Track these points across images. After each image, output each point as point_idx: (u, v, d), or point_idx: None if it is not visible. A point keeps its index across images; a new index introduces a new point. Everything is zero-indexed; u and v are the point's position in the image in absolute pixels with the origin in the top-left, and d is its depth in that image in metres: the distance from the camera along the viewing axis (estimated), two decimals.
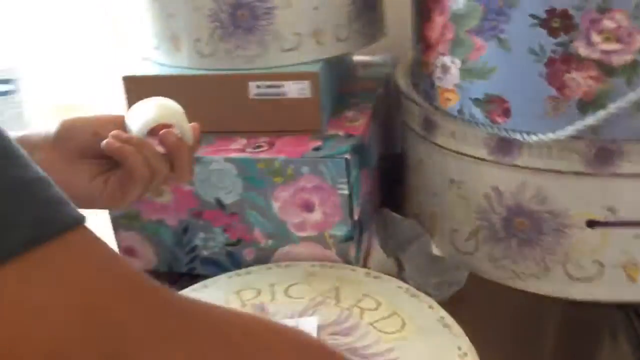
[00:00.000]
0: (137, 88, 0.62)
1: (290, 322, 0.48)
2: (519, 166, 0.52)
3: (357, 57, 0.84)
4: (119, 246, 0.64)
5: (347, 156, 0.54)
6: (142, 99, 0.61)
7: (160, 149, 0.44)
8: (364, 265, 0.60)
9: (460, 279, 0.57)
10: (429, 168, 0.61)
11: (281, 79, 0.58)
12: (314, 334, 0.47)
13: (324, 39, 0.60)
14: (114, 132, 0.42)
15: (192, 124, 0.46)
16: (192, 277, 0.60)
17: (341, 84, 0.71)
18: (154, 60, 0.65)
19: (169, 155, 0.44)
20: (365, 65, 0.83)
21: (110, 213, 0.62)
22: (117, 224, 0.63)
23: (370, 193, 0.65)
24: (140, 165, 0.42)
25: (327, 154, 0.54)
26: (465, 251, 0.59)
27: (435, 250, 0.61)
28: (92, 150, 0.43)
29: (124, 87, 0.62)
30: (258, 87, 0.59)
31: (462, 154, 0.55)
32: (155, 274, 0.63)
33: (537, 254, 0.54)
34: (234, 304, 0.52)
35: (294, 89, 0.58)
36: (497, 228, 0.56)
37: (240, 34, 0.59)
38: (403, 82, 0.65)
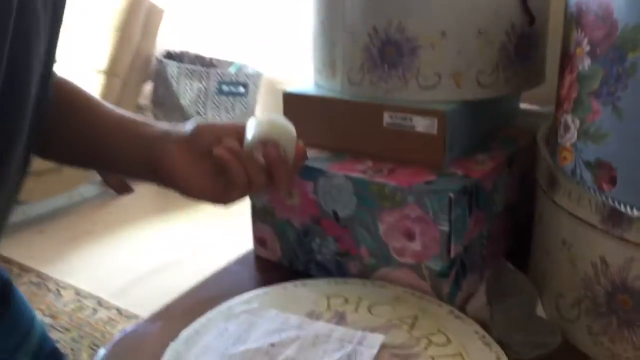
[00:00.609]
0: (294, 103, 0.71)
1: (357, 335, 0.52)
2: (628, 240, 0.49)
3: (524, 105, 0.84)
4: (254, 235, 0.74)
5: (452, 194, 0.56)
6: (297, 113, 0.71)
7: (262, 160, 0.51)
8: (462, 305, 0.61)
9: (551, 343, 0.55)
10: (546, 225, 0.59)
11: (412, 112, 0.62)
12: (375, 349, 0.50)
13: (464, 82, 0.63)
14: (226, 144, 0.51)
15: (299, 144, 0.52)
16: (307, 277, 0.66)
17: (491, 126, 0.72)
18: (317, 82, 0.74)
19: (269, 169, 0.51)
20: (528, 113, 0.82)
21: (251, 206, 0.72)
22: (256, 216, 0.72)
23: (488, 238, 0.65)
24: (239, 174, 0.50)
25: (433, 189, 0.57)
26: (567, 318, 0.57)
27: (540, 311, 0.59)
28: (212, 153, 0.52)
29: (283, 101, 0.72)
30: (391, 117, 0.64)
31: (575, 216, 0.53)
32: (279, 266, 0.71)
33: (637, 337, 0.50)
34: (320, 306, 0.57)
35: (422, 124, 0.62)
36: (600, 301, 0.52)
37: (385, 67, 0.64)
38: (542, 135, 0.64)
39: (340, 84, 0.69)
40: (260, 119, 0.53)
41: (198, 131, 0.53)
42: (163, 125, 0.55)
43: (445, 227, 0.56)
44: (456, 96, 0.63)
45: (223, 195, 0.53)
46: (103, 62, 2.57)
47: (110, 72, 2.59)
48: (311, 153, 0.68)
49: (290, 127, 0.53)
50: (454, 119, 0.62)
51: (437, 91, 0.63)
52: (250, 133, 0.52)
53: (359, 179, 0.61)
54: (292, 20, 2.81)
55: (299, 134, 0.71)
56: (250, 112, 2.94)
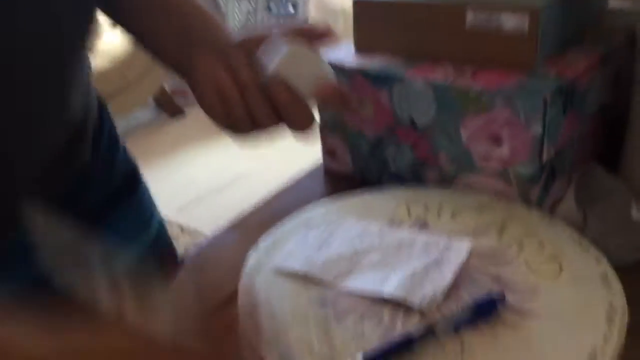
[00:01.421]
0: (365, 11, 0.67)
1: (443, 241, 0.50)
2: None
3: (614, 3, 0.77)
4: (323, 146, 0.72)
5: (547, 95, 0.51)
6: (369, 21, 0.66)
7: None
8: (550, 211, 0.58)
9: None
10: None
11: (499, 9, 0.57)
12: (464, 255, 0.48)
13: None
14: (238, 70, 0.46)
15: (329, 84, 0.46)
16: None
17: (581, 24, 0.66)
18: None
19: (280, 110, 0.45)
20: (617, 12, 0.75)
21: (320, 117, 0.70)
22: (324, 128, 0.70)
23: (578, 140, 0.61)
24: (237, 108, 0.45)
25: (526, 90, 0.53)
26: None
27: (636, 215, 0.56)
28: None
29: (354, 9, 0.67)
30: (475, 16, 0.59)
31: None
32: (350, 178, 0.69)
33: None
34: (399, 214, 0.55)
35: (511, 22, 0.57)
36: None
37: None
38: None
39: None
40: (284, 48, 0.45)
41: (235, 45, 0.48)
42: (219, 29, 0.51)
43: (538, 130, 0.53)
44: None
45: (231, 125, 0.48)
46: None
47: None
48: (384, 59, 0.64)
49: (313, 60, 0.46)
50: (546, 15, 0.56)
51: None
52: (266, 63, 0.46)
53: (440, 83, 0.57)
54: None
55: (372, 43, 0.67)
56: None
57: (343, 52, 0.67)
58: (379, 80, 0.62)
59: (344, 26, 2.93)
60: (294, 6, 2.76)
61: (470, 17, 0.59)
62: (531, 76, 0.56)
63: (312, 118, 0.47)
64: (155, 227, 0.66)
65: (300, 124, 0.47)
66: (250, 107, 0.46)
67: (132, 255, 0.60)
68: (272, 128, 0.48)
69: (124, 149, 0.65)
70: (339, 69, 0.65)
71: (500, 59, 0.59)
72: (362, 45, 0.68)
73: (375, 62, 0.64)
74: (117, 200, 0.61)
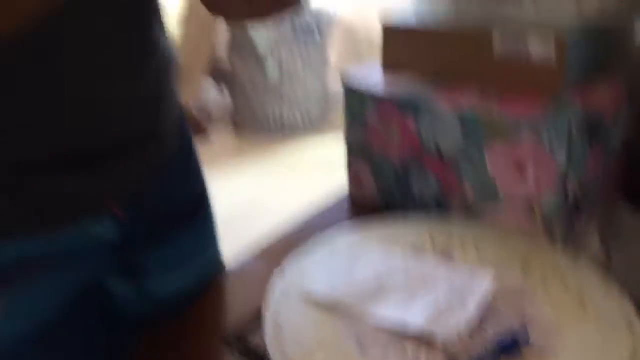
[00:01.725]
0: (393, 36, 0.68)
1: (466, 271, 0.50)
2: None
3: None
4: (349, 173, 0.72)
5: (572, 124, 0.51)
6: (397, 45, 0.67)
7: None
8: (573, 244, 0.57)
9: None
10: None
11: (527, 34, 0.57)
12: (487, 287, 0.48)
13: (585, 7, 0.57)
14: None
15: None
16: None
17: (606, 57, 0.66)
18: (415, 6, 0.69)
19: None
20: None
21: (346, 143, 0.71)
22: (351, 154, 0.71)
23: (603, 175, 0.60)
24: None
25: (551, 119, 0.53)
26: None
27: None
28: None
29: (382, 35, 0.68)
30: (502, 40, 0.59)
31: None
32: (374, 205, 0.70)
33: None
34: (423, 243, 0.55)
35: (539, 48, 0.57)
36: None
37: None
38: None
39: (446, 5, 0.64)
40: None
41: None
42: None
43: (563, 160, 0.53)
44: (575, 20, 0.58)
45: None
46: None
47: (187, 18, 2.61)
48: (411, 85, 0.65)
49: None
50: (574, 43, 0.57)
51: (554, 13, 0.58)
52: None
53: (466, 111, 0.58)
54: None
55: (399, 68, 0.68)
56: (325, 56, 2.91)
57: (370, 78, 0.68)
58: (406, 106, 0.62)
59: (368, 52, 2.95)
60: (319, 31, 2.79)
61: (497, 41, 0.60)
62: (557, 104, 0.56)
63: None
64: (211, 255, 0.67)
65: None
66: None
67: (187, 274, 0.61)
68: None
69: (200, 170, 0.67)
70: (366, 95, 0.66)
71: (527, 85, 0.59)
72: (389, 71, 0.69)
73: (402, 89, 0.65)
74: (185, 218, 0.62)
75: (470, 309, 0.45)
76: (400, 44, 0.68)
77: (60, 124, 0.47)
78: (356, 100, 0.68)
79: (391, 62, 0.68)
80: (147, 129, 0.54)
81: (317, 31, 2.75)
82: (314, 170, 2.61)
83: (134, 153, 0.53)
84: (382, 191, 0.69)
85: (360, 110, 0.67)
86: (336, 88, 3.00)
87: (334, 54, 3.00)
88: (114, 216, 0.54)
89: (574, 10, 0.57)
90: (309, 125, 2.96)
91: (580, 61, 0.59)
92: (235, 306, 0.55)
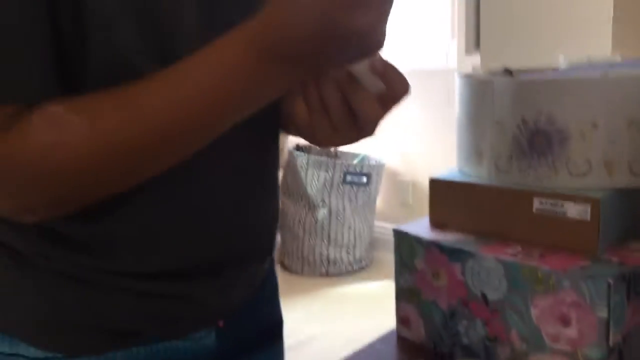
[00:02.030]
0: (441, 189, 0.75)
1: None
2: None
3: None
4: (397, 314, 0.76)
5: (610, 281, 0.56)
6: (444, 198, 0.75)
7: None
8: None
9: None
10: None
11: (564, 199, 0.64)
12: None
13: (616, 170, 0.64)
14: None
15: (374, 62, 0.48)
16: None
17: (638, 216, 0.71)
18: (460, 169, 0.78)
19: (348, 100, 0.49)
20: None
21: (396, 286, 0.76)
22: (400, 296, 0.75)
23: None
24: (311, 94, 0.50)
25: (590, 274, 0.57)
26: None
27: None
28: None
29: (430, 187, 0.76)
30: (541, 203, 0.65)
31: None
32: (422, 348, 0.73)
33: None
34: None
35: (575, 211, 0.63)
36: None
37: (534, 156, 0.67)
38: None
39: (487, 171, 0.72)
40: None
41: None
42: None
43: (603, 314, 0.56)
44: (608, 184, 0.64)
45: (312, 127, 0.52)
46: None
47: None
48: (458, 236, 0.71)
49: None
50: (607, 206, 0.62)
51: (588, 179, 0.65)
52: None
53: (510, 261, 0.63)
54: (410, 116, 2.90)
55: (445, 218, 0.74)
56: (372, 201, 3.02)
57: (419, 225, 0.75)
58: (453, 254, 0.68)
59: (413, 199, 3.06)
60: (367, 176, 2.93)
61: (536, 203, 0.66)
62: (595, 262, 0.60)
63: (375, 107, 0.50)
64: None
65: (365, 112, 0.49)
66: (325, 99, 0.49)
67: None
68: (347, 124, 0.51)
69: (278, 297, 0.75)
70: (415, 240, 0.72)
71: (565, 243, 0.64)
72: (436, 220, 0.75)
73: (449, 237, 0.70)
74: (266, 340, 0.68)
75: None
76: (446, 195, 0.75)
77: (202, 239, 0.57)
78: (406, 246, 0.74)
79: (438, 211, 0.75)
80: (268, 246, 0.64)
81: (365, 176, 2.89)
82: (359, 309, 2.61)
83: (252, 267, 0.61)
84: (430, 334, 0.72)
85: (409, 256, 0.73)
86: (381, 231, 3.08)
87: (380, 198, 3.11)
88: (218, 328, 0.60)
89: (607, 180, 0.64)
90: (355, 266, 3.00)
91: (614, 221, 0.65)
92: None
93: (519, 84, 0.68)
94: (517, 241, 0.67)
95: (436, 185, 0.76)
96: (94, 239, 0.54)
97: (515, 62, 0.93)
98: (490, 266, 0.64)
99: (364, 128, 0.52)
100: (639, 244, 0.65)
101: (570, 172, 0.65)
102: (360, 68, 0.48)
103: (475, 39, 1.67)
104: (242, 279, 0.63)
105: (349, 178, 2.85)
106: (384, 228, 3.11)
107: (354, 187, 2.88)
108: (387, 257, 3.06)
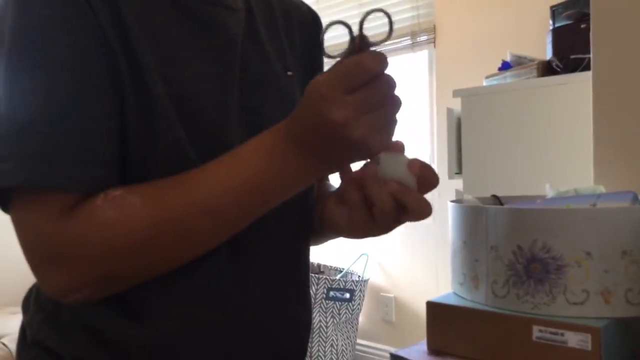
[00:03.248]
0: (438, 312, 0.75)
1: None
2: None
3: None
4: None
5: None
6: (440, 323, 0.74)
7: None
8: None
9: None
10: None
11: (564, 328, 0.64)
12: None
13: (613, 300, 0.65)
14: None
15: (414, 163, 0.54)
16: None
17: (637, 344, 0.71)
18: (457, 293, 0.78)
19: (398, 202, 0.53)
20: None
21: None
22: None
23: None
24: (354, 194, 0.55)
25: None
26: None
27: None
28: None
29: (427, 310, 0.76)
30: (541, 331, 0.66)
31: None
32: None
33: None
34: None
35: (575, 340, 0.63)
36: None
37: (531, 283, 0.68)
38: None
39: (485, 296, 0.73)
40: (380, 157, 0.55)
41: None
42: None
43: None
44: (605, 313, 0.65)
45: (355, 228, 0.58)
46: None
47: None
48: None
49: (403, 162, 0.55)
50: (607, 335, 0.63)
51: (585, 307, 0.66)
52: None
53: None
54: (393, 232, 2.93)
55: (443, 344, 0.74)
56: (355, 317, 2.96)
57: (415, 351, 0.74)
58: None
59: (397, 316, 3.01)
60: (351, 292, 2.91)
61: (536, 331, 0.66)
62: None
63: (428, 202, 0.54)
64: None
65: (416, 203, 0.53)
66: (368, 191, 0.54)
67: None
68: (390, 223, 0.56)
69: None
70: None
71: None
72: (434, 346, 0.74)
73: None
74: None
75: None
76: (444, 321, 0.75)
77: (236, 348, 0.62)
78: None
79: (436, 337, 0.75)
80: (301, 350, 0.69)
81: (348, 292, 2.86)
82: None
83: None
84: None
85: None
86: (363, 349, 2.99)
87: (362, 315, 3.06)
88: None
89: (604, 309, 0.65)
90: None
91: (614, 352, 0.65)
92: None
93: (512, 212, 0.71)
94: None
95: (433, 309, 0.76)
96: (138, 345, 0.57)
97: (497, 190, 0.98)
98: None
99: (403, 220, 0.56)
100: None
101: (568, 300, 0.66)
102: (400, 168, 0.54)
103: (457, 164, 1.75)
104: None
105: (332, 293, 2.82)
106: (367, 346, 3.02)
107: (337, 304, 2.84)
108: None
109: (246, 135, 0.55)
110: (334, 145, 0.50)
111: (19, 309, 0.66)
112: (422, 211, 0.54)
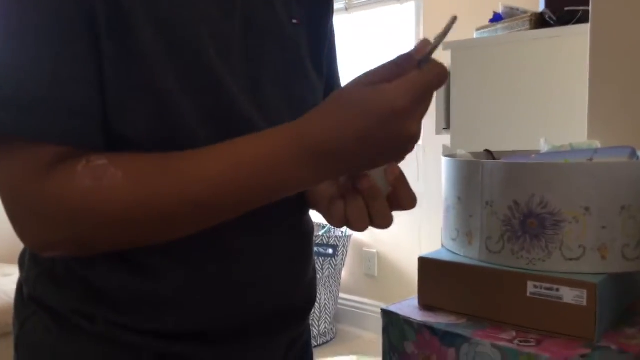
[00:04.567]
0: (431, 268, 0.74)
1: None
2: None
3: None
4: None
5: None
6: (432, 278, 0.73)
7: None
8: None
9: None
10: None
11: (559, 283, 0.63)
12: None
13: (609, 255, 0.64)
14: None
15: (391, 169, 0.54)
16: None
17: (629, 299, 0.71)
18: (449, 249, 0.77)
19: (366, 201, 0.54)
20: None
21: None
22: None
23: None
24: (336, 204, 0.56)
25: None
26: None
27: None
28: None
29: (419, 265, 0.75)
30: (535, 287, 0.65)
31: None
32: None
33: None
34: None
35: (570, 295, 0.62)
36: None
37: (527, 238, 0.67)
38: None
39: (478, 252, 0.71)
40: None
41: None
42: None
43: None
44: (601, 269, 0.64)
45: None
46: None
47: None
48: (449, 319, 0.69)
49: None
50: (603, 290, 0.62)
51: (581, 263, 0.64)
52: None
53: (508, 348, 0.61)
54: None
55: (435, 299, 0.73)
56: (337, 272, 2.98)
57: (407, 306, 0.73)
58: (446, 338, 0.66)
59: (378, 268, 3.04)
60: (334, 248, 2.92)
61: (530, 286, 0.65)
62: (594, 349, 0.59)
63: (388, 218, 0.56)
64: None
65: (382, 211, 0.55)
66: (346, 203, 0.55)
67: None
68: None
69: None
70: (405, 322, 0.69)
71: (561, 328, 0.63)
72: (426, 301, 0.73)
73: (440, 319, 0.69)
74: None
75: None
76: (436, 275, 0.74)
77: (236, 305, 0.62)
78: (396, 329, 0.71)
79: (428, 292, 0.74)
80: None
81: (331, 248, 2.87)
82: None
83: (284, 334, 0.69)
84: None
85: (399, 340, 0.71)
86: (346, 303, 3.03)
87: (345, 270, 3.08)
88: None
89: (600, 265, 0.64)
90: (319, 340, 2.92)
91: (609, 306, 0.64)
92: None
93: (509, 166, 0.69)
94: (511, 325, 0.66)
95: (426, 264, 0.75)
96: (138, 298, 0.57)
97: (486, 145, 0.96)
98: (486, 352, 0.62)
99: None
100: (633, 329, 0.65)
101: (564, 256, 0.65)
102: (376, 171, 0.54)
103: (445, 120, 1.72)
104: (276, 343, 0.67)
105: (315, 249, 2.82)
106: (350, 300, 3.06)
107: (320, 259, 2.85)
108: (352, 331, 3.00)
109: (247, 89, 0.52)
110: (381, 154, 0.49)
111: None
112: (380, 223, 0.56)
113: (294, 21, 0.64)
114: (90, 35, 0.49)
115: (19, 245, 0.63)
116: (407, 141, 0.48)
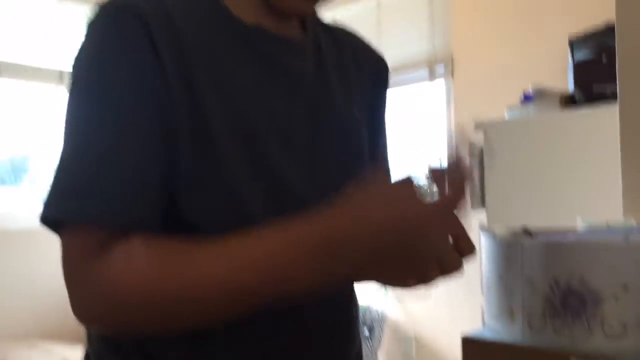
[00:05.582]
0: (474, 348, 0.75)
1: None
2: None
3: None
4: None
5: None
6: (477, 358, 0.73)
7: None
8: None
9: None
10: None
11: None
12: None
13: None
14: None
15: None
16: None
17: None
18: (489, 327, 0.78)
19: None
20: None
21: None
22: None
23: None
24: None
25: None
26: None
27: None
28: None
29: (462, 346, 0.75)
30: None
31: None
32: None
33: None
34: None
35: None
36: None
37: (568, 316, 0.68)
38: None
39: (521, 330, 0.72)
40: None
41: None
42: None
43: None
44: None
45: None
46: None
47: None
48: None
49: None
50: None
51: (624, 341, 0.65)
52: None
53: None
54: None
55: None
56: (373, 355, 2.92)
57: None
58: None
59: (417, 354, 2.96)
60: (370, 330, 2.87)
61: None
62: None
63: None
64: None
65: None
66: None
67: None
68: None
69: None
70: None
71: None
72: None
73: None
74: None
75: None
76: (479, 355, 0.74)
77: None
78: None
79: None
80: None
81: (367, 329, 2.82)
82: None
83: None
84: None
85: None
86: None
87: (382, 352, 3.02)
88: None
89: None
90: None
91: None
92: None
93: (548, 246, 0.71)
94: None
95: (470, 345, 0.75)
96: None
97: (521, 222, 0.97)
98: None
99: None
100: None
101: (606, 334, 0.65)
102: None
103: (480, 196, 1.75)
104: None
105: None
106: None
107: None
108: None
109: (307, 177, 0.57)
110: (394, 273, 0.55)
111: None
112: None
113: (355, 113, 0.69)
114: (163, 131, 0.54)
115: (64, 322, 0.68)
116: (417, 255, 0.52)
